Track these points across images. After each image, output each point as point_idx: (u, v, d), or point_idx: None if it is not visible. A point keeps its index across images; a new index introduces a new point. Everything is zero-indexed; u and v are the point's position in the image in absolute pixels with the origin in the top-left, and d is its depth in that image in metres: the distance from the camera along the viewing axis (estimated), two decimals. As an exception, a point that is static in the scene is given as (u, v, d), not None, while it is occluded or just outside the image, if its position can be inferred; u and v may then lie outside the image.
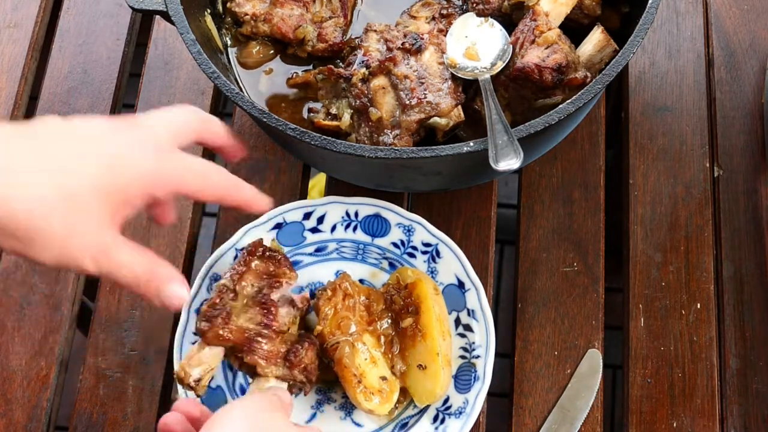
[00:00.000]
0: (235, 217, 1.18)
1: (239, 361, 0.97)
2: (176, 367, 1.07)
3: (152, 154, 0.79)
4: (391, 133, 1.04)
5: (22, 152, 0.72)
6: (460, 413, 1.04)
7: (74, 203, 0.72)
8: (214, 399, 1.06)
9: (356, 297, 1.06)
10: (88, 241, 0.74)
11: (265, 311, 0.97)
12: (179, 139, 0.83)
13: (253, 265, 1.00)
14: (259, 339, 0.96)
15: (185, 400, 0.89)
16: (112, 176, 0.75)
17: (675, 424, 1.08)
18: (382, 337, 1.06)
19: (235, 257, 1.11)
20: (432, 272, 1.10)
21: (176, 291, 0.81)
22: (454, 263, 1.09)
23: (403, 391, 1.05)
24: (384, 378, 1.03)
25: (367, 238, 1.12)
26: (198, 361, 0.95)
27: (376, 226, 1.12)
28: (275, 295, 0.98)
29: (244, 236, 1.11)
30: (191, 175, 0.81)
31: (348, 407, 1.07)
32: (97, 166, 0.74)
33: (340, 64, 1.13)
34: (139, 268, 0.78)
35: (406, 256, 1.11)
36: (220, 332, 0.95)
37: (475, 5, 1.10)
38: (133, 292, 0.82)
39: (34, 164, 0.72)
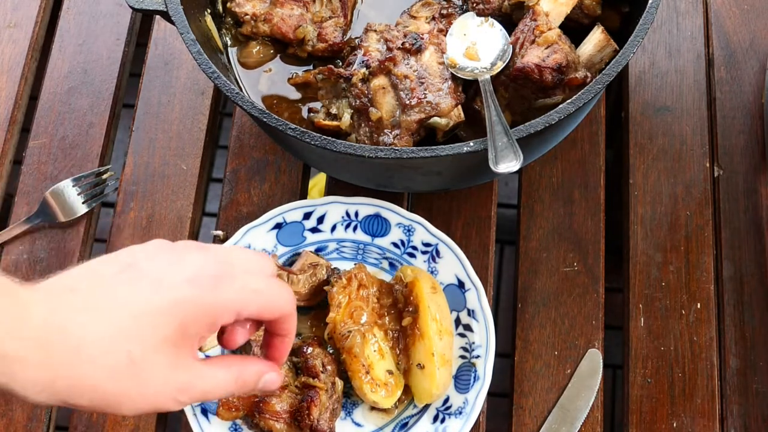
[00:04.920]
0: (235, 216, 1.18)
1: (256, 427, 1.03)
2: None
3: (210, 288, 0.74)
4: (391, 133, 1.04)
5: (78, 310, 0.71)
6: (460, 413, 1.04)
7: (143, 366, 0.72)
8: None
9: (370, 288, 1.06)
10: (165, 389, 0.73)
11: None
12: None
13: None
14: (266, 399, 1.01)
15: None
16: (174, 325, 0.73)
17: (675, 424, 1.08)
18: (390, 332, 1.06)
19: (235, 257, 1.11)
20: (432, 272, 1.10)
21: (270, 382, 0.81)
22: (454, 263, 1.09)
23: (406, 390, 1.05)
24: (390, 372, 1.04)
25: (367, 238, 1.12)
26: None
27: (376, 226, 1.12)
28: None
29: (244, 236, 1.11)
30: (256, 299, 0.77)
31: (348, 407, 1.07)
32: (157, 319, 0.72)
33: (340, 64, 1.13)
34: (228, 386, 0.78)
35: (406, 256, 1.11)
36: (228, 402, 1.01)
37: (475, 5, 1.10)
38: None
39: (95, 332, 0.70)
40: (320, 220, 1.12)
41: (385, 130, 1.04)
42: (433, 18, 1.11)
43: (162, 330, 0.72)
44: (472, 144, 0.95)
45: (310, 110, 1.11)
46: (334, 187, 1.19)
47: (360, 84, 1.05)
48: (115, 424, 1.09)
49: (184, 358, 0.74)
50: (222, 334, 0.82)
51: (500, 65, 1.04)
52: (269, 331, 0.82)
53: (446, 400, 1.06)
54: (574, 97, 0.97)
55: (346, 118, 1.07)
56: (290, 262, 1.12)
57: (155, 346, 0.72)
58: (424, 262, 1.11)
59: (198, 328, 0.74)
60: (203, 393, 0.76)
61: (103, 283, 0.72)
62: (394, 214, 1.12)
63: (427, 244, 1.11)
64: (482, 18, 1.09)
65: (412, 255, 1.11)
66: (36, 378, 0.69)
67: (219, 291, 0.74)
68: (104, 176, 1.21)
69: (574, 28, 1.09)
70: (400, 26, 1.11)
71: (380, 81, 1.05)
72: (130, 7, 1.04)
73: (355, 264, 1.08)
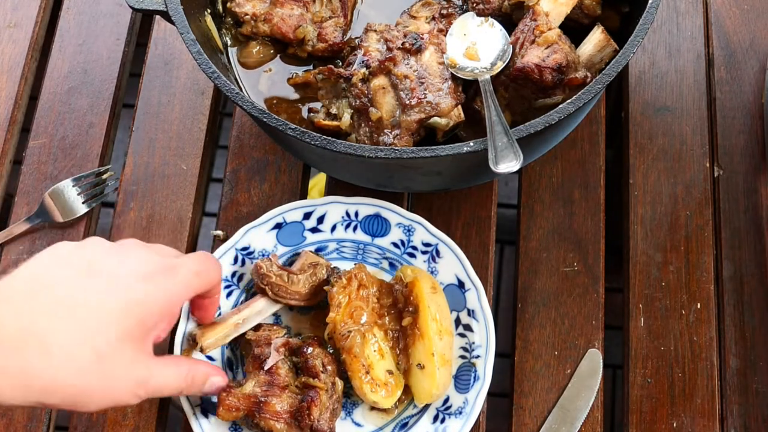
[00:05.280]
0: (235, 216, 1.18)
1: (256, 427, 1.02)
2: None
3: (161, 282, 0.81)
4: (391, 133, 1.04)
5: (44, 314, 0.75)
6: (460, 413, 1.04)
7: (108, 361, 0.77)
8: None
9: (370, 288, 1.06)
10: (126, 384, 0.79)
11: (268, 373, 1.02)
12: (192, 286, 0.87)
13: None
14: (266, 399, 1.01)
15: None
16: (133, 320, 0.78)
17: (675, 424, 1.08)
18: (390, 332, 1.06)
19: (235, 257, 1.11)
20: (432, 272, 1.10)
21: (214, 384, 0.93)
22: (454, 263, 1.09)
23: (406, 390, 1.05)
24: (390, 372, 1.04)
25: (367, 238, 1.12)
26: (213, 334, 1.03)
27: (376, 226, 1.12)
28: (271, 358, 1.03)
29: (244, 236, 1.11)
30: (198, 281, 0.86)
31: (348, 407, 1.07)
32: (118, 316, 0.78)
33: (340, 64, 1.13)
34: (178, 383, 0.85)
35: (406, 256, 1.11)
36: (228, 402, 1.00)
37: (475, 5, 1.10)
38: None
39: (63, 334, 0.75)
40: (320, 220, 1.12)
41: (385, 130, 1.04)
42: (433, 18, 1.11)
43: (123, 326, 0.78)
44: (472, 144, 0.95)
45: (310, 110, 1.11)
46: (334, 187, 1.19)
47: (360, 84, 1.05)
48: (114, 424, 1.09)
49: (142, 353, 0.80)
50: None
51: (500, 65, 1.04)
52: (201, 295, 0.91)
53: (446, 400, 1.06)
54: (574, 97, 0.97)
55: (346, 118, 1.07)
56: (290, 262, 1.12)
57: (118, 341, 0.77)
58: (424, 262, 1.11)
59: (155, 320, 0.80)
60: (157, 388, 0.82)
61: (62, 286, 0.77)
62: (394, 214, 1.12)
63: (427, 244, 1.11)
64: (482, 18, 1.09)
65: (412, 255, 1.11)
66: (13, 383, 0.73)
67: (169, 284, 0.82)
68: (104, 176, 1.21)
69: (574, 28, 1.09)
70: (400, 26, 1.11)
71: (380, 81, 1.05)
72: (130, 7, 1.04)
73: (355, 264, 1.08)
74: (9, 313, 0.74)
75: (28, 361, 0.73)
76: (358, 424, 1.06)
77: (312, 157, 1.12)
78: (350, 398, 1.07)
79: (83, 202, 1.19)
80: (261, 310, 1.07)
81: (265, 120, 0.98)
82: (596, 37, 1.06)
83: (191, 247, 1.19)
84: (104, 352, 0.76)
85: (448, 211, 1.17)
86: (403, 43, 1.06)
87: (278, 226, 1.12)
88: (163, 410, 1.11)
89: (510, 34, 1.07)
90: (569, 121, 1.03)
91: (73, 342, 0.75)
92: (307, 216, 1.12)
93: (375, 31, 1.09)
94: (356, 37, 1.14)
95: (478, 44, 1.07)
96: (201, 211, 1.25)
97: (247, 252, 1.11)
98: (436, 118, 1.04)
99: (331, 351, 1.05)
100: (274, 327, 1.07)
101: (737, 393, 1.09)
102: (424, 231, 1.11)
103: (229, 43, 1.16)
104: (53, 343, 0.74)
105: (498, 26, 1.08)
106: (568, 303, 1.13)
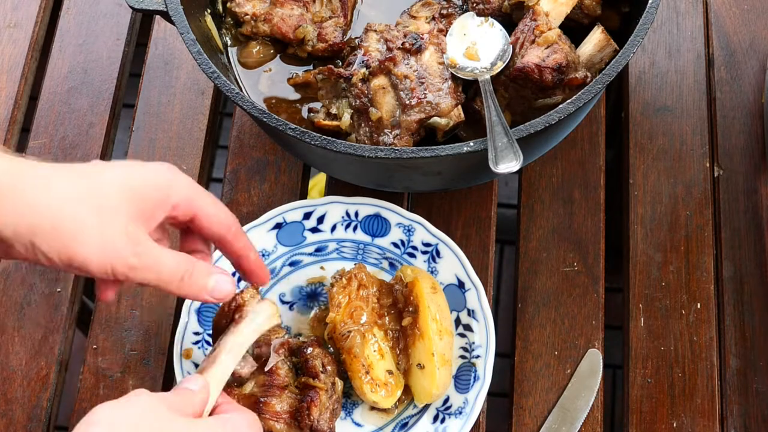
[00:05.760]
0: (235, 216, 1.18)
1: None
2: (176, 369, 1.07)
3: (167, 173, 0.81)
4: (391, 133, 1.04)
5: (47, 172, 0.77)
6: (460, 413, 1.04)
7: (102, 199, 0.75)
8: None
9: (370, 288, 1.06)
10: (123, 232, 0.76)
11: (268, 373, 1.00)
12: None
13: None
14: (266, 399, 0.99)
15: None
16: (132, 182, 0.78)
17: (675, 424, 1.08)
18: (390, 332, 1.06)
19: (235, 257, 1.11)
20: (432, 272, 1.10)
21: (220, 283, 0.83)
22: (454, 263, 1.09)
23: (406, 390, 1.05)
24: (390, 372, 1.04)
25: (367, 238, 1.12)
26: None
27: (376, 226, 1.12)
28: (271, 359, 1.01)
29: (244, 236, 1.11)
30: (205, 197, 0.83)
31: (348, 407, 1.07)
32: (117, 174, 0.78)
33: (340, 64, 1.13)
34: (179, 263, 0.80)
35: (406, 256, 1.11)
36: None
37: (475, 5, 1.10)
38: (171, 292, 0.82)
39: (62, 179, 0.76)
40: (320, 220, 1.12)
41: (385, 130, 1.04)
42: (433, 18, 1.11)
43: (124, 183, 0.78)
44: (472, 144, 0.95)
45: (310, 110, 1.11)
46: (334, 187, 1.19)
47: (360, 84, 1.05)
48: (115, 424, 1.09)
49: (140, 223, 0.78)
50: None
51: (500, 65, 1.04)
52: (225, 243, 0.87)
53: (446, 400, 1.06)
54: (574, 97, 0.97)
55: (346, 118, 1.07)
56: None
57: (116, 189, 0.77)
58: (424, 262, 1.11)
59: (155, 199, 0.79)
60: (158, 259, 0.78)
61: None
62: (394, 214, 1.12)
63: (427, 244, 1.11)
64: (482, 18, 1.09)
65: (412, 255, 1.11)
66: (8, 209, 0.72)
67: (178, 177, 0.82)
68: (104, 176, 1.21)
69: (574, 28, 1.09)
70: (400, 26, 1.11)
71: (380, 81, 1.05)
72: (130, 7, 1.04)
73: (355, 264, 1.08)
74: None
75: (11, 183, 0.73)
76: (358, 424, 1.06)
77: (312, 157, 1.12)
78: (350, 398, 1.07)
79: (83, 202, 1.19)
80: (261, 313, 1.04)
81: (265, 120, 0.98)
82: (596, 37, 1.06)
83: (191, 247, 1.19)
84: (99, 192, 0.76)
85: (448, 211, 1.17)
86: (403, 43, 1.06)
87: (278, 226, 1.12)
88: (163, 410, 1.11)
89: (510, 34, 1.07)
90: (569, 121, 1.03)
91: (69, 181, 0.76)
92: (307, 216, 1.12)
93: (375, 31, 1.09)
94: (356, 37, 1.14)
95: (478, 44, 1.07)
96: (201, 211, 1.25)
97: (247, 252, 1.11)
98: (436, 118, 1.04)
99: (331, 351, 1.05)
100: (274, 327, 1.07)
101: (737, 393, 1.09)
102: (424, 231, 1.11)
103: (229, 43, 1.16)
104: (37, 176, 0.75)
105: (498, 26, 1.08)
106: (568, 303, 1.13)
